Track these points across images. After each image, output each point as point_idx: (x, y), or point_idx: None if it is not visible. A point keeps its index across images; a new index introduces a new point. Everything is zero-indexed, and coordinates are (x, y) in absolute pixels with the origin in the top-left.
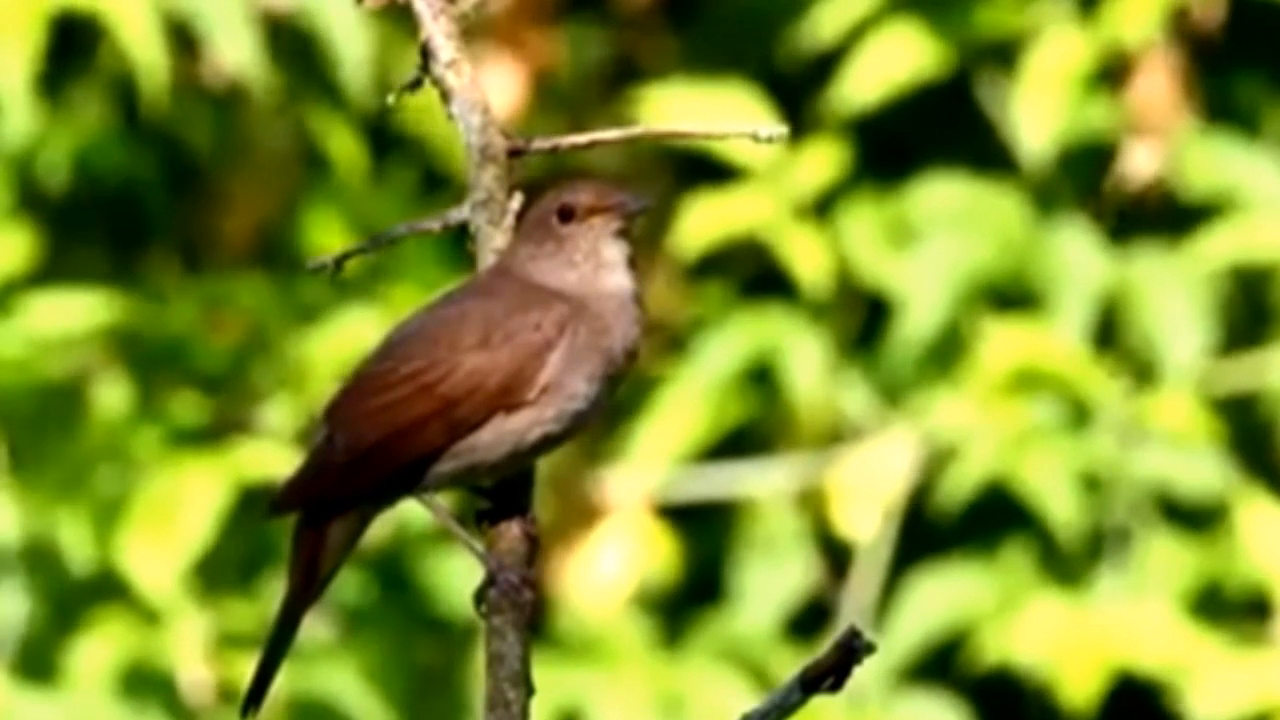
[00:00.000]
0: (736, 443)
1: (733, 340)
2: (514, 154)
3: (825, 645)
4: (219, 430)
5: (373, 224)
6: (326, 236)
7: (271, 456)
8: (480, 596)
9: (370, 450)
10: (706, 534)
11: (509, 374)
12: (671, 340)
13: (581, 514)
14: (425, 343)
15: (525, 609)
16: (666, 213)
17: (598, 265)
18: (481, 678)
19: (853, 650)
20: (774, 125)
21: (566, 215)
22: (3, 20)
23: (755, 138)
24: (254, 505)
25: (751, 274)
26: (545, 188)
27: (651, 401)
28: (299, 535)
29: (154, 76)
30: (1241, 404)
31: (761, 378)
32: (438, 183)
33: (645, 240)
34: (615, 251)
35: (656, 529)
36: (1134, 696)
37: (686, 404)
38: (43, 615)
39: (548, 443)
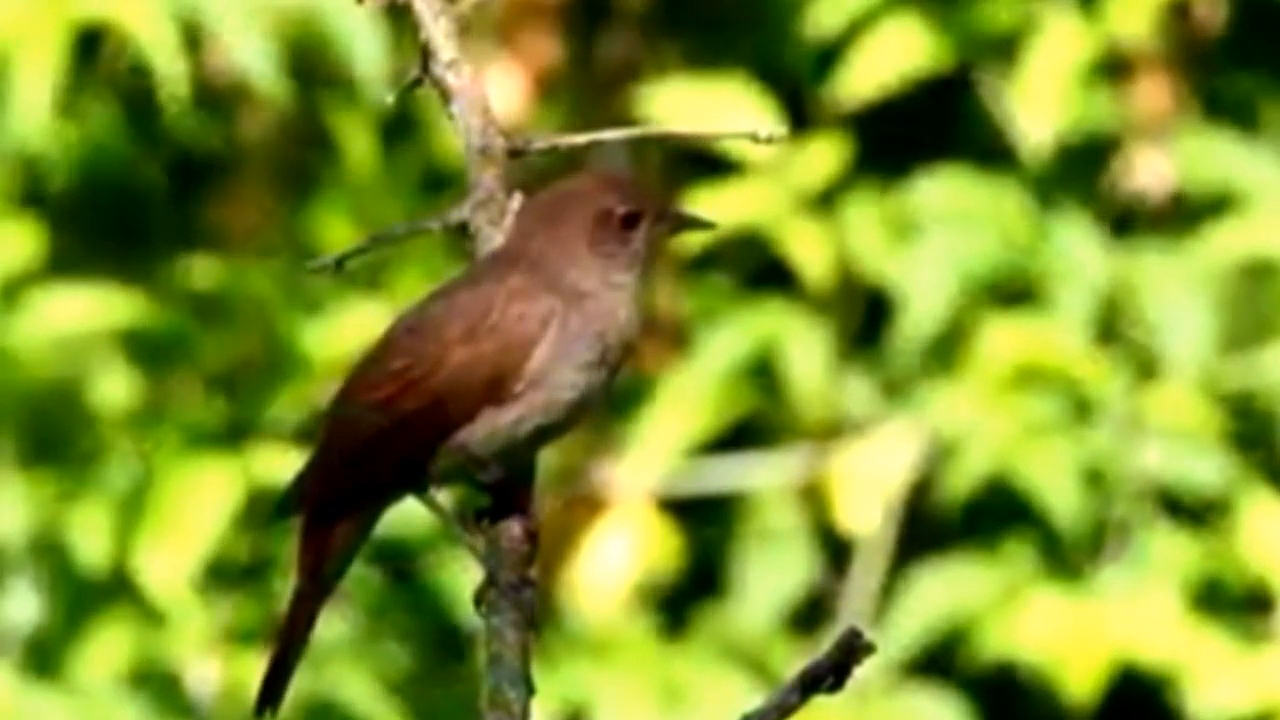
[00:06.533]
0: (738, 436)
1: (734, 334)
2: (514, 154)
3: (826, 640)
4: (231, 431)
5: (381, 215)
6: (334, 229)
7: (283, 458)
8: (480, 596)
9: (365, 449)
10: (708, 527)
11: (494, 367)
12: (673, 334)
13: (584, 507)
14: (414, 338)
15: (525, 609)
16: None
17: (635, 266)
18: (482, 677)
19: (853, 650)
20: (774, 125)
21: (633, 221)
22: (27, 34)
23: (755, 138)
24: (262, 504)
25: (753, 268)
26: (548, 184)
27: (653, 395)
28: (304, 536)
29: (172, 82)
30: (1243, 399)
31: (763, 372)
32: (445, 175)
33: None
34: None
35: (658, 522)
36: (1136, 691)
37: (688, 398)
38: (51, 613)
39: (543, 435)
